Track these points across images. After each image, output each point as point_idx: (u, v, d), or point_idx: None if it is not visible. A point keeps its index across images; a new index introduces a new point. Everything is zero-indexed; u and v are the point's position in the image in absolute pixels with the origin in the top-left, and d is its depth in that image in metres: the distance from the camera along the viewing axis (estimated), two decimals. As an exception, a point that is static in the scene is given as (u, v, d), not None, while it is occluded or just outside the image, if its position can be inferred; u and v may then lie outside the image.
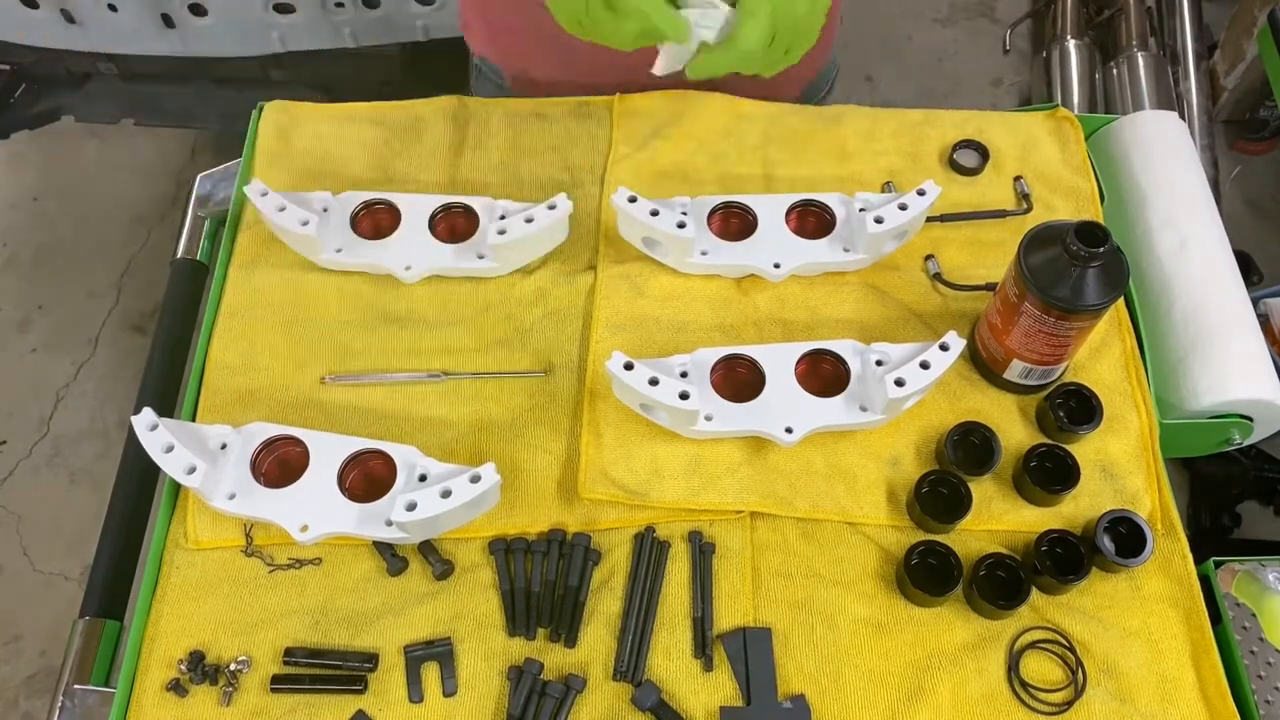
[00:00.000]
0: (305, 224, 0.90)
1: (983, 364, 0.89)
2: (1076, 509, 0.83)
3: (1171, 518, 0.83)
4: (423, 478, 0.80)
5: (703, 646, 0.77)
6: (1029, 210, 1.00)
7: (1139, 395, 0.89)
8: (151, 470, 0.85)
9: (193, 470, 0.77)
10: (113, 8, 1.71)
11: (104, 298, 2.25)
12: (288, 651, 0.77)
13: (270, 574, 0.81)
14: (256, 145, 1.05)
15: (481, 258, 0.94)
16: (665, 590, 0.80)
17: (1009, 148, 1.05)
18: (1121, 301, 0.93)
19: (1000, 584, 0.79)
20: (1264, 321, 1.62)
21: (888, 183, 1.02)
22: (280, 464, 0.82)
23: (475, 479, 0.77)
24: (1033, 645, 0.78)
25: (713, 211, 0.95)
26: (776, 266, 0.93)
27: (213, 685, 0.76)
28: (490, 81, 1.17)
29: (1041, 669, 0.77)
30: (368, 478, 0.82)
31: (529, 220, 0.91)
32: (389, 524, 0.77)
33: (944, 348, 0.82)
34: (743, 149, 1.04)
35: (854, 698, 0.75)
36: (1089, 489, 0.84)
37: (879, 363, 0.83)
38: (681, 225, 0.90)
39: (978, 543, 0.82)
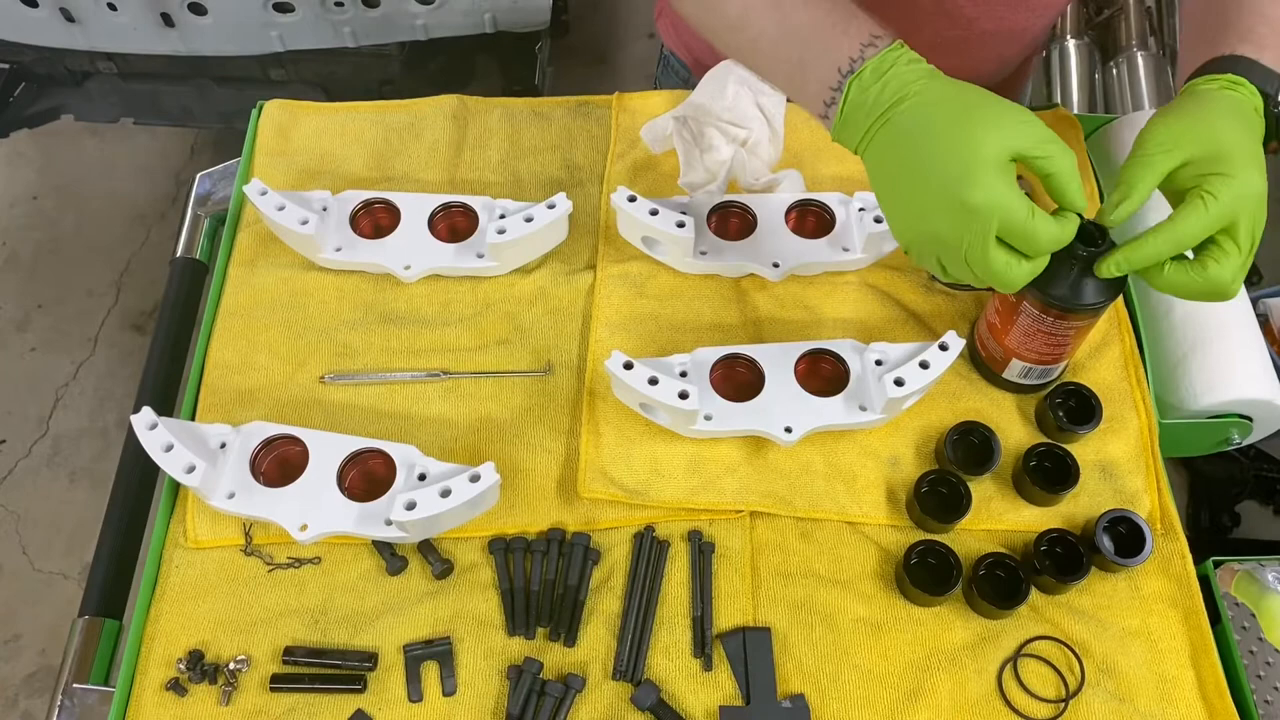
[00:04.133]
0: (304, 223, 0.90)
1: (982, 363, 0.89)
2: (1076, 509, 0.83)
3: (1171, 517, 0.83)
4: (422, 477, 0.80)
5: (702, 646, 0.77)
6: (1029, 210, 1.00)
7: (1138, 395, 0.89)
8: (151, 469, 0.85)
9: (192, 469, 0.77)
10: (112, 7, 1.71)
11: (103, 297, 2.25)
12: (287, 651, 0.77)
13: (269, 573, 0.81)
14: (256, 144, 1.05)
15: (481, 257, 0.94)
16: (665, 590, 0.80)
17: (1009, 147, 1.04)
18: (1121, 301, 0.93)
19: (999, 584, 0.79)
20: (1264, 321, 1.62)
21: (887, 182, 1.02)
22: (280, 463, 0.82)
23: (475, 478, 0.77)
24: (1031, 643, 0.78)
25: (712, 211, 0.95)
26: (776, 266, 0.93)
27: (212, 684, 0.76)
28: (676, 75, 1.17)
29: (1040, 669, 0.77)
30: (367, 477, 0.82)
31: (528, 219, 0.91)
32: (388, 523, 0.77)
33: (943, 347, 0.82)
34: (742, 148, 1.04)
35: (853, 697, 0.75)
36: (1088, 489, 0.84)
37: (878, 362, 0.83)
38: (681, 225, 0.90)
39: (977, 542, 0.82)
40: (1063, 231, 0.67)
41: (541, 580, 0.80)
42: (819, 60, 0.69)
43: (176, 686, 0.76)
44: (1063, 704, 0.75)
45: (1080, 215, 0.69)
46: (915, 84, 0.66)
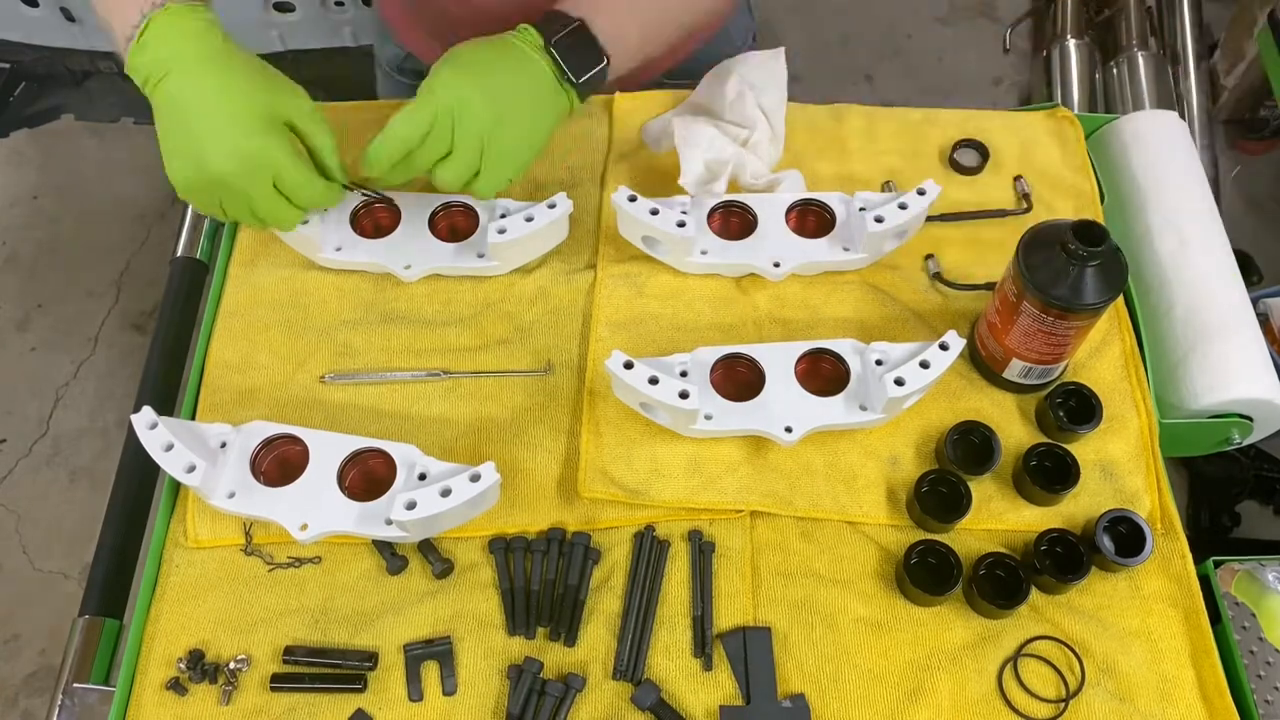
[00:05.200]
0: (305, 222, 0.90)
1: (982, 363, 0.89)
2: (1076, 508, 0.83)
3: (1171, 517, 0.83)
4: (422, 476, 0.80)
5: (702, 645, 0.77)
6: (1029, 210, 1.00)
7: (1139, 395, 0.89)
8: (151, 469, 0.85)
9: (192, 469, 0.77)
10: (112, 6, 1.71)
11: (104, 296, 2.25)
12: (287, 650, 0.77)
13: (270, 573, 0.81)
14: (256, 144, 1.05)
15: (481, 256, 0.94)
16: (665, 589, 0.80)
17: (1009, 147, 1.05)
18: (1121, 301, 0.93)
19: (1000, 583, 0.79)
20: (1264, 321, 1.62)
21: (888, 182, 1.02)
22: (280, 462, 0.82)
23: (475, 478, 0.76)
24: (1031, 643, 0.78)
25: (713, 210, 0.95)
26: (776, 266, 0.93)
27: (212, 684, 0.76)
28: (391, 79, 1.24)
29: (1040, 669, 0.77)
30: (367, 476, 0.82)
31: (529, 219, 0.91)
32: (389, 523, 0.77)
33: (944, 347, 0.82)
34: (743, 148, 1.04)
35: (853, 697, 0.75)
36: (1089, 488, 0.84)
37: (879, 362, 0.83)
38: (681, 224, 0.90)
39: (977, 542, 0.82)
40: (327, 191, 0.83)
41: (541, 580, 0.80)
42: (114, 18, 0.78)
43: (177, 686, 0.76)
44: (1063, 704, 0.75)
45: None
46: (187, 47, 0.76)
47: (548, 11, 0.86)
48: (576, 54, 0.85)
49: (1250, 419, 0.91)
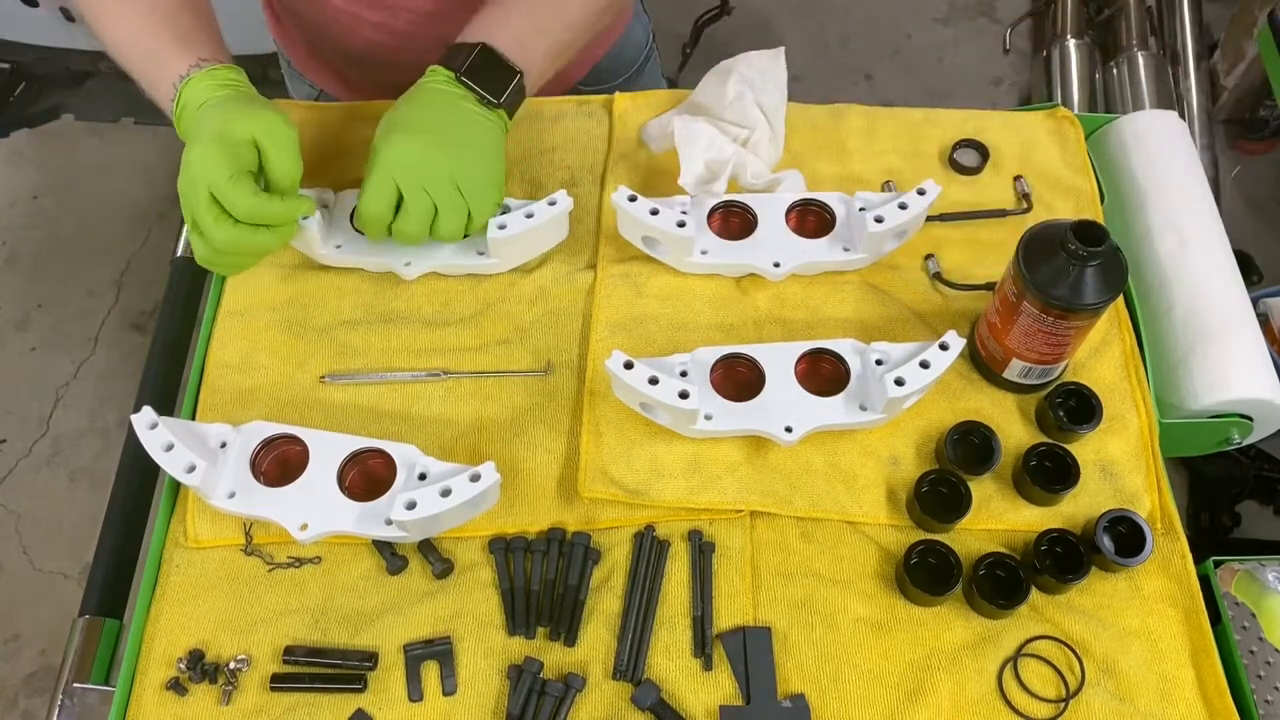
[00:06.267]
0: (306, 218, 0.90)
1: (982, 363, 0.89)
2: (1076, 508, 0.83)
3: (1171, 517, 0.83)
4: (422, 476, 0.80)
5: (702, 645, 0.77)
6: (1029, 210, 1.00)
7: (1139, 395, 0.89)
8: (151, 469, 0.85)
9: (192, 469, 0.77)
10: (112, 6, 1.71)
11: (104, 296, 2.25)
12: (287, 650, 0.77)
13: (270, 573, 0.81)
14: (256, 144, 1.05)
15: (481, 254, 0.94)
16: (665, 589, 0.80)
17: (1009, 147, 1.05)
18: (1121, 301, 0.93)
19: (1000, 583, 0.79)
20: (1264, 321, 1.62)
21: (888, 182, 1.02)
22: (280, 463, 0.82)
23: (475, 478, 0.77)
24: (1031, 643, 0.78)
25: (713, 210, 0.95)
26: (776, 266, 0.93)
27: (212, 684, 0.76)
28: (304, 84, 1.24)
29: (1040, 669, 0.77)
30: (367, 476, 0.82)
31: (529, 215, 0.91)
32: (389, 523, 0.77)
33: (944, 347, 0.82)
34: (743, 148, 1.04)
35: (853, 697, 0.75)
36: (1089, 488, 0.84)
37: (879, 362, 0.83)
38: (681, 224, 0.90)
39: (977, 542, 0.82)
40: (263, 206, 0.79)
41: (541, 580, 0.80)
42: (158, 83, 0.87)
43: (177, 686, 0.76)
44: (1063, 704, 0.75)
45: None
46: (210, 96, 0.84)
47: (448, 46, 0.88)
48: (487, 76, 0.87)
49: (1250, 419, 0.91)
